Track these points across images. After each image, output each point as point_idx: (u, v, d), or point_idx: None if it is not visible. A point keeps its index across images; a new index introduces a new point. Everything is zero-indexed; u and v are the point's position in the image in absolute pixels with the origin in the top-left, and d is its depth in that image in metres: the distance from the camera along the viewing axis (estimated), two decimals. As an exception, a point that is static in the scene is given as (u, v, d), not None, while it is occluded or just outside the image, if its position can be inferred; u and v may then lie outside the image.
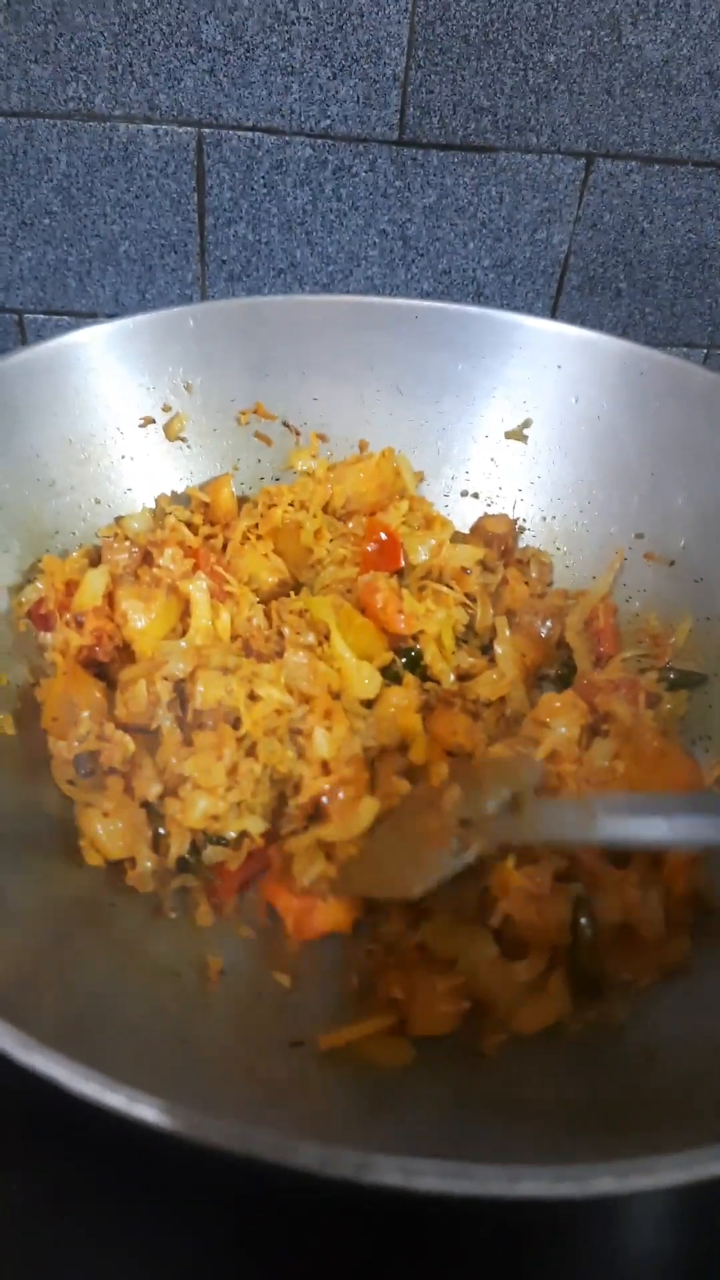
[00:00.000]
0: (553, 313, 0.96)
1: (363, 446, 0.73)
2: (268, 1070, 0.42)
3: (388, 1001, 0.46)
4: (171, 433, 0.69)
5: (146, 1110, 0.30)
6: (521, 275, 0.94)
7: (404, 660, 0.62)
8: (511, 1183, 0.28)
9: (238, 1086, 0.41)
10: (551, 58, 0.82)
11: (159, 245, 0.90)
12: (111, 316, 0.93)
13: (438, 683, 0.62)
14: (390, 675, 0.61)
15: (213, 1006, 0.47)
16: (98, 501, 0.65)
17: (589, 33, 0.81)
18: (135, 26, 0.79)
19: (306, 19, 0.79)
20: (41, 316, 0.94)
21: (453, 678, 0.62)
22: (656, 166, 0.88)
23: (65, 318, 0.94)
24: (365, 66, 0.82)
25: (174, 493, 0.70)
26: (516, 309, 0.94)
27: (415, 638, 0.63)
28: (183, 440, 0.70)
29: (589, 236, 0.92)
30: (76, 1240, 0.44)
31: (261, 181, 0.87)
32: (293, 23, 0.80)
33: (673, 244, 0.93)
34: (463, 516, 0.73)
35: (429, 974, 0.46)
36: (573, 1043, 0.44)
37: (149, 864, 0.52)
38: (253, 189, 0.88)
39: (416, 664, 0.63)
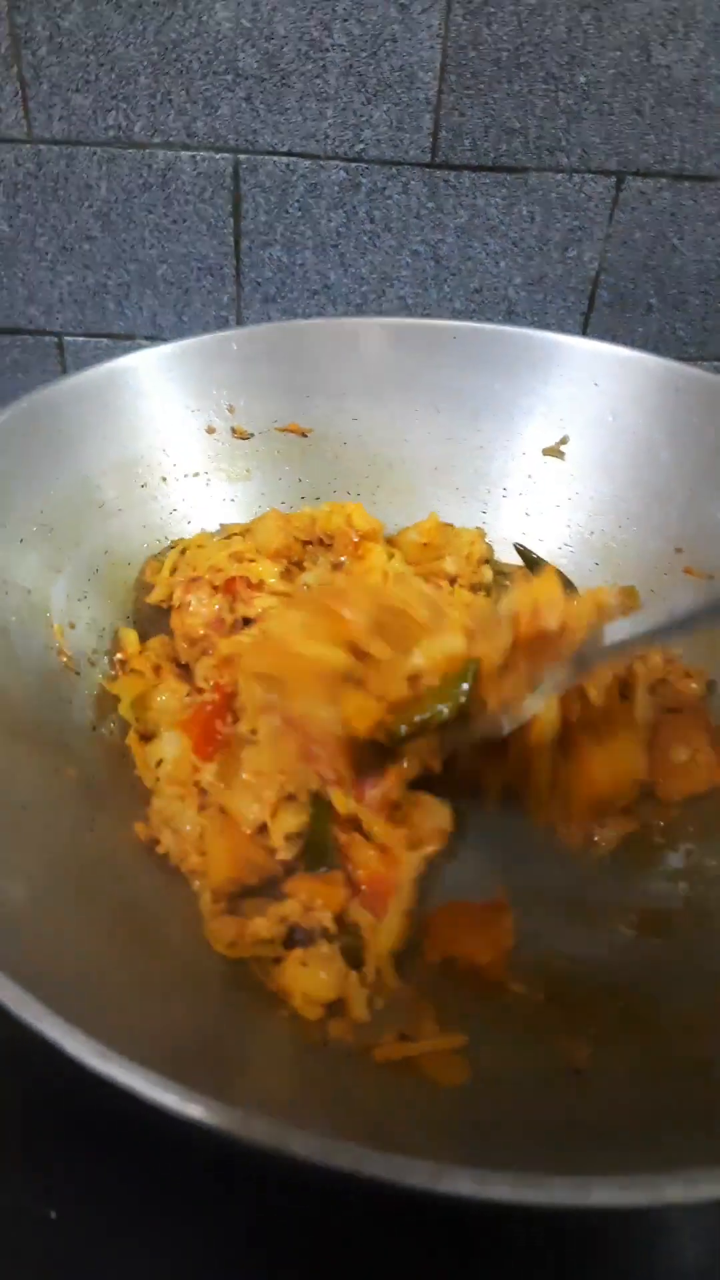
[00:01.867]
0: (584, 329, 0.97)
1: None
2: (322, 1073, 0.43)
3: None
4: (239, 433, 0.71)
5: (212, 1115, 0.31)
6: (553, 293, 0.95)
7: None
8: (582, 1192, 0.29)
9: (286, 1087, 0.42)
10: (582, 79, 0.83)
11: (195, 268, 0.92)
12: (149, 339, 0.96)
13: None
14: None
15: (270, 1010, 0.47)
16: (144, 526, 0.67)
17: (619, 54, 0.82)
18: (173, 55, 0.81)
19: (341, 46, 0.81)
20: (81, 339, 0.96)
21: None
22: (686, 183, 0.89)
23: (104, 340, 0.96)
24: (398, 91, 0.83)
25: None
26: (548, 326, 0.95)
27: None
28: (234, 455, 0.72)
29: (619, 254, 0.93)
30: (81, 1240, 0.45)
31: (296, 205, 0.89)
32: (327, 50, 0.81)
33: (703, 260, 0.93)
34: (501, 534, 0.74)
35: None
36: (628, 1055, 0.44)
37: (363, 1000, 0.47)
38: (287, 212, 0.89)
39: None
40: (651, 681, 0.60)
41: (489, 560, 0.71)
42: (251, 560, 0.65)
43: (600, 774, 0.53)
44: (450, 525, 0.71)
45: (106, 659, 0.61)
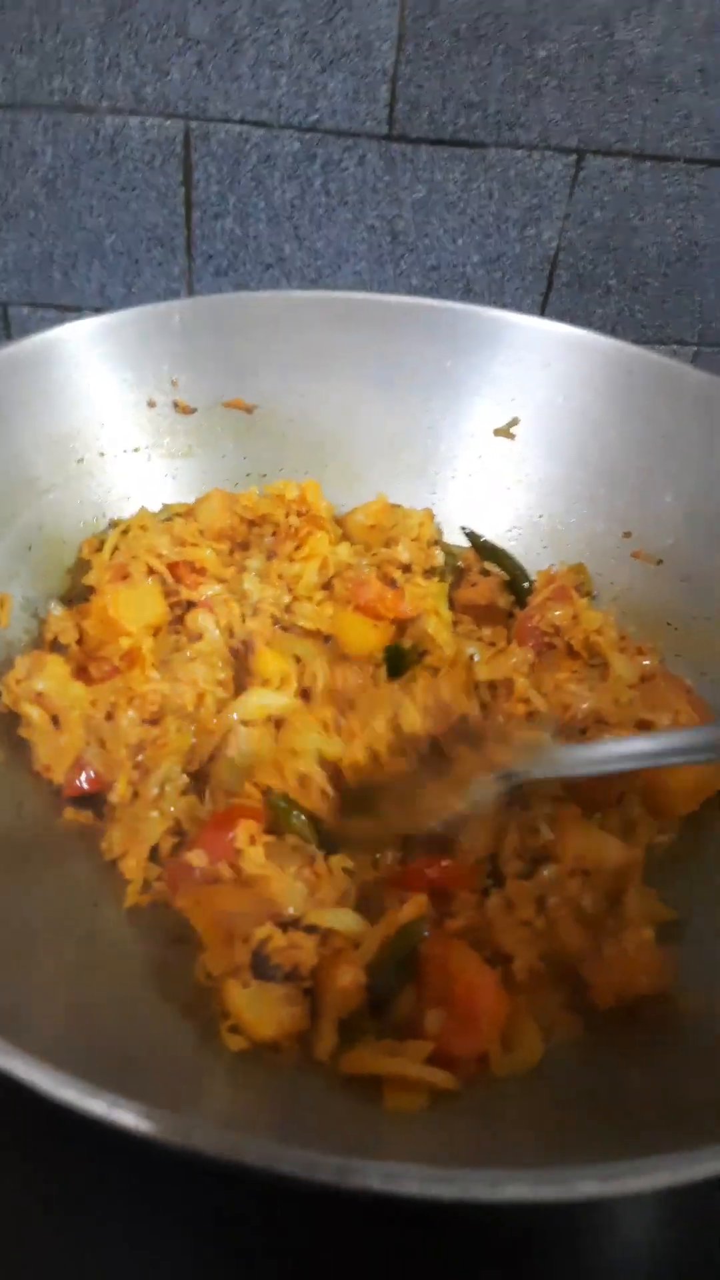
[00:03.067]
0: (542, 309, 0.95)
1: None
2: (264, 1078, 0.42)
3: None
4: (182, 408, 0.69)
5: (126, 1116, 0.30)
6: (511, 271, 0.93)
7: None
8: (494, 1187, 0.28)
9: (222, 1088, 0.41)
10: (542, 53, 0.82)
11: (145, 239, 0.89)
12: (97, 310, 0.92)
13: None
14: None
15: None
16: (81, 503, 0.65)
17: (580, 28, 0.81)
18: (122, 18, 0.78)
19: (295, 12, 0.79)
20: (26, 310, 0.93)
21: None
22: (647, 163, 0.88)
23: (50, 311, 0.93)
24: (354, 60, 0.81)
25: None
26: (506, 305, 0.94)
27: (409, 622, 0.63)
28: (176, 431, 0.70)
29: (579, 233, 0.91)
30: (74, 1242, 0.44)
31: (249, 175, 0.87)
32: (281, 15, 0.79)
33: (663, 241, 0.92)
34: (448, 515, 0.72)
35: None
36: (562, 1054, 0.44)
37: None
38: (240, 183, 0.87)
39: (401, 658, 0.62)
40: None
41: (439, 542, 0.69)
42: (194, 544, 0.63)
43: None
44: (399, 506, 0.70)
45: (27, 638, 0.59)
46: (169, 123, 0.84)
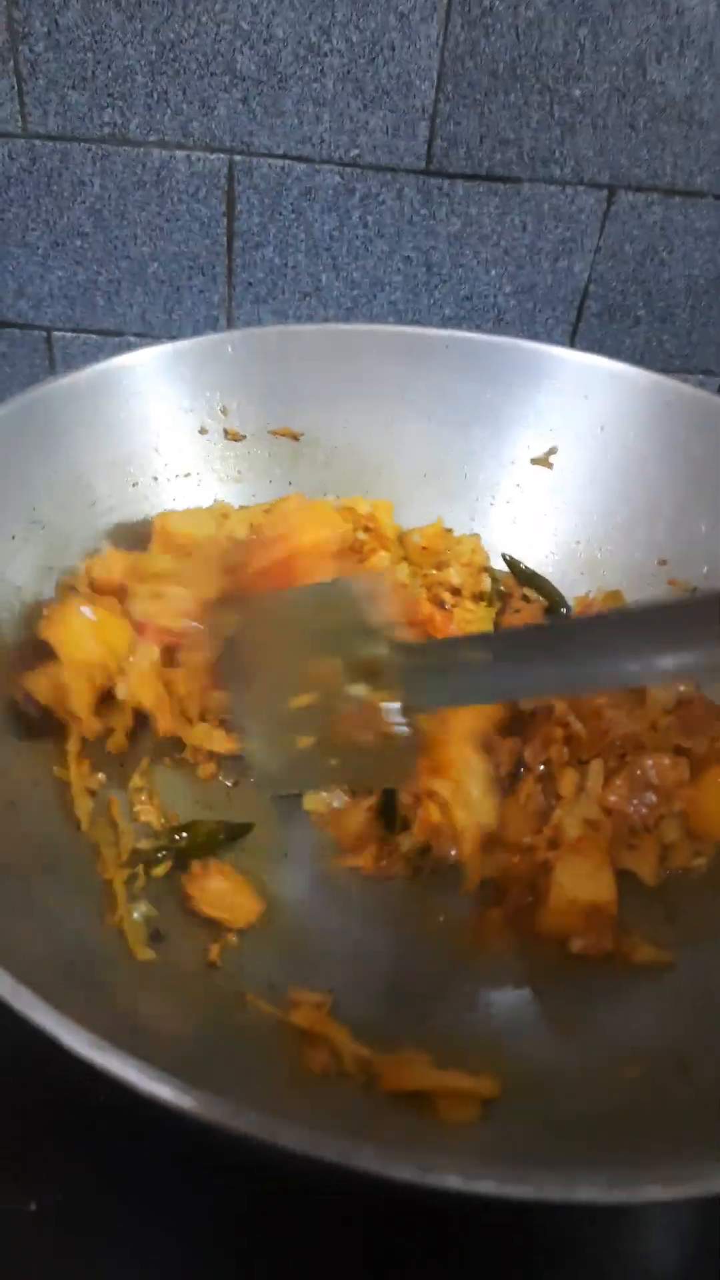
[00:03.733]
0: (572, 339, 0.98)
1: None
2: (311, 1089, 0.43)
3: None
4: (232, 435, 0.71)
5: (214, 1109, 0.31)
6: (542, 302, 0.96)
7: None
8: (568, 1188, 0.30)
9: (279, 1097, 0.42)
10: (577, 92, 0.84)
11: (187, 267, 0.92)
12: (139, 335, 0.96)
13: None
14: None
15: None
16: (139, 522, 0.67)
17: (614, 69, 0.83)
18: (171, 55, 0.81)
19: (340, 51, 0.81)
20: (69, 334, 0.96)
21: None
22: (677, 198, 0.90)
23: (93, 336, 0.96)
24: (395, 98, 0.84)
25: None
26: (536, 335, 0.96)
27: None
28: (226, 457, 0.72)
29: (609, 266, 0.94)
30: (60, 1233, 0.45)
31: (290, 207, 0.89)
32: (325, 55, 0.82)
33: (691, 274, 0.95)
34: (488, 541, 0.75)
35: None
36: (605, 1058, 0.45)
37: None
38: (281, 214, 0.89)
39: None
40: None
41: (486, 568, 0.71)
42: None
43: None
44: (450, 531, 0.72)
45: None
46: (214, 156, 0.86)
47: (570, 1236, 0.46)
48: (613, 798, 0.55)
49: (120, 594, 0.59)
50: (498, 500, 0.75)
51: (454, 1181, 0.29)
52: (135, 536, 0.66)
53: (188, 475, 0.71)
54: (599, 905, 0.51)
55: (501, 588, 0.71)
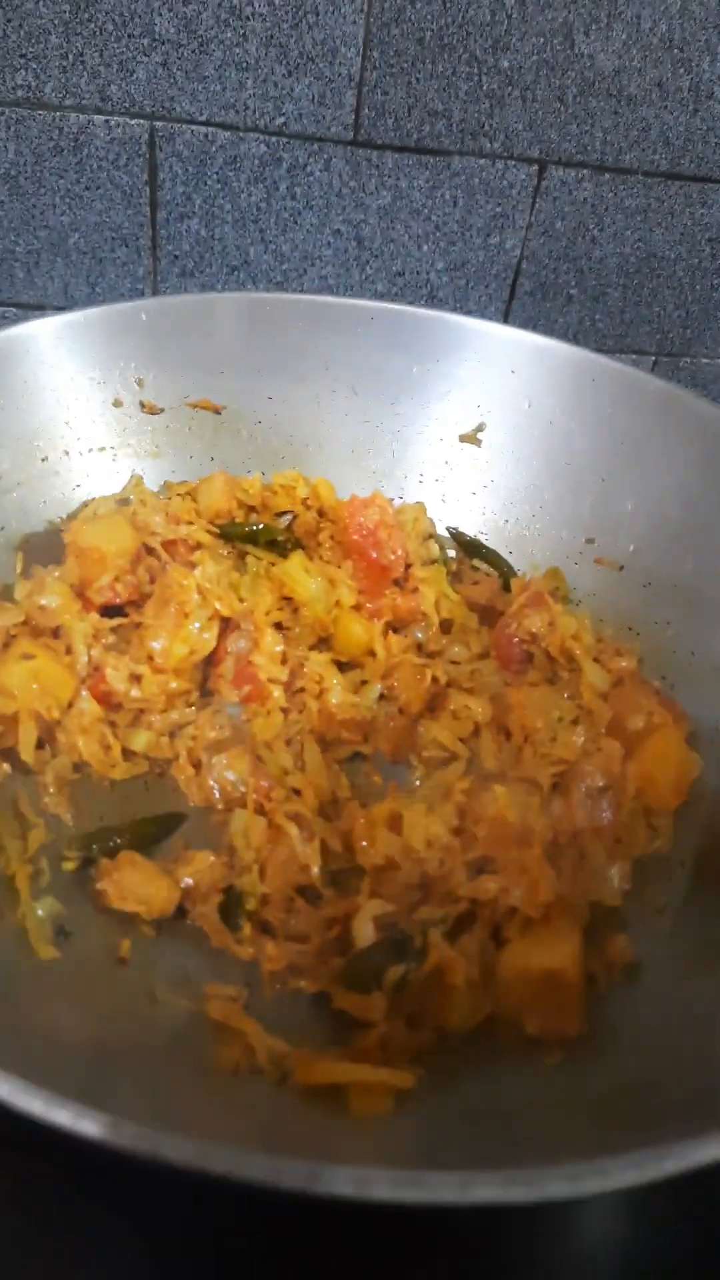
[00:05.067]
0: (505, 317, 0.96)
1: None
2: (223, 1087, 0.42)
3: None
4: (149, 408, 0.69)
5: (90, 1126, 0.29)
6: (475, 279, 0.94)
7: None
8: (464, 1189, 0.28)
9: (188, 1098, 0.41)
10: (505, 63, 0.83)
11: (109, 238, 0.89)
12: (60, 309, 0.91)
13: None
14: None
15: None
16: (44, 502, 0.64)
17: (542, 40, 0.82)
18: (86, 15, 0.78)
19: (262, 15, 0.79)
20: (-13, 307, 0.92)
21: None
22: (607, 175, 0.89)
23: (11, 309, 0.92)
24: (321, 65, 0.82)
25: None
26: (469, 312, 0.94)
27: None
28: (142, 431, 0.69)
29: (541, 243, 0.93)
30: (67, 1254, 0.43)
31: (215, 177, 0.86)
32: (248, 18, 0.79)
33: (622, 252, 0.94)
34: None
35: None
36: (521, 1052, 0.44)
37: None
38: (206, 184, 0.87)
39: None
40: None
41: (433, 535, 0.70)
42: (190, 522, 0.63)
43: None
44: (391, 501, 0.69)
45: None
46: (134, 122, 0.83)
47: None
48: (581, 815, 0.53)
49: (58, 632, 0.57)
50: (426, 478, 0.73)
51: (345, 1188, 0.28)
52: (42, 520, 0.63)
53: (102, 450, 0.68)
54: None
55: (450, 553, 0.69)
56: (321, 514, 0.69)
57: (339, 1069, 0.41)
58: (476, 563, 0.71)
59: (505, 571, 0.70)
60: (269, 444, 0.72)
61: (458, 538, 0.73)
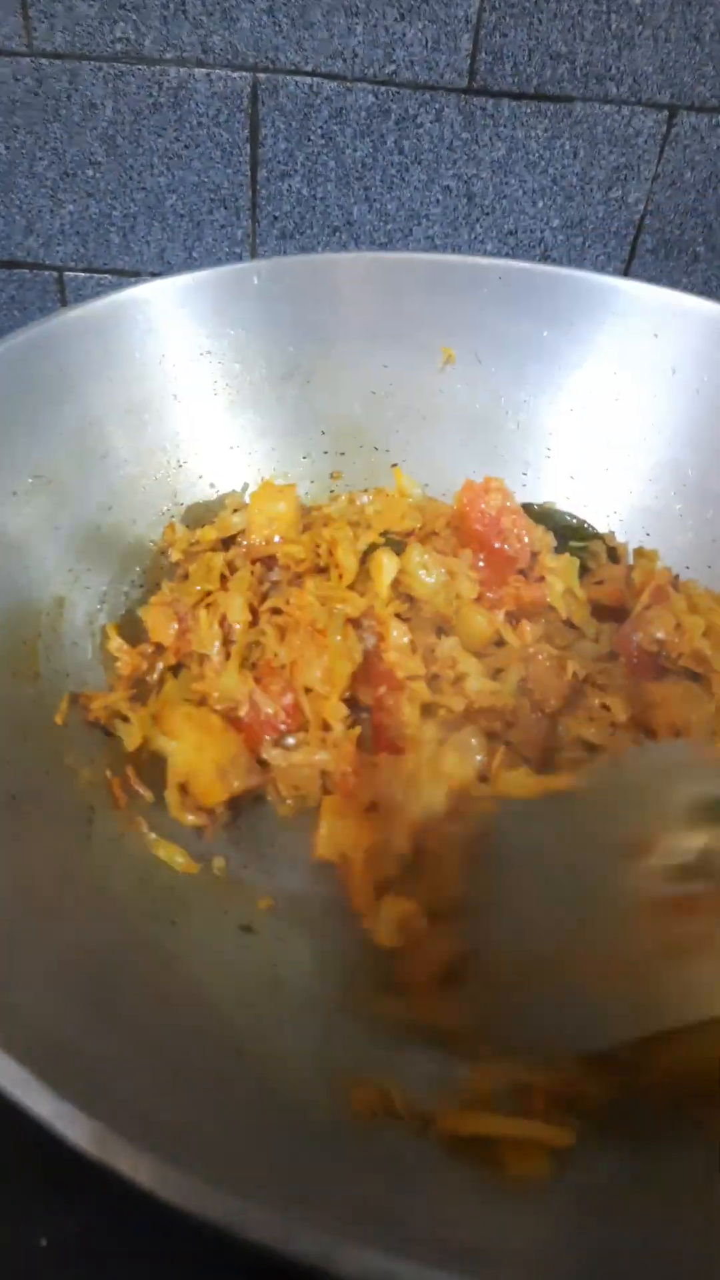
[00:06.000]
0: (624, 277, 0.90)
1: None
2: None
3: None
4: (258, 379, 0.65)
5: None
6: (592, 237, 0.88)
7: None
8: None
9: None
10: (637, 1, 0.76)
11: (208, 199, 0.84)
12: (155, 275, 0.88)
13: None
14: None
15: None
16: (156, 479, 0.60)
17: (679, -28, 0.75)
18: (190, -40, 0.73)
19: (375, -47, 0.73)
20: (82, 274, 0.89)
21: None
22: (745, 120, 0.82)
23: (107, 276, 0.89)
24: (435, 7, 0.76)
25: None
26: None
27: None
28: (256, 399, 0.65)
29: (668, 195, 0.86)
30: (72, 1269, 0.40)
31: (319, 132, 0.81)
32: (359, -43, 0.74)
33: (757, 205, 0.86)
34: (544, 496, 0.68)
35: None
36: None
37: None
38: (309, 140, 0.82)
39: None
40: None
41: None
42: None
43: None
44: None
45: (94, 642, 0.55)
46: (236, 75, 0.79)
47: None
48: None
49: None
50: (555, 452, 0.67)
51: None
52: (148, 497, 0.60)
53: (209, 424, 0.63)
54: None
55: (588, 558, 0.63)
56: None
57: (487, 1120, 0.37)
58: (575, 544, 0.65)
59: (595, 537, 0.65)
60: (383, 416, 0.67)
61: (525, 508, 0.65)
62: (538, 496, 0.67)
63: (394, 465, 0.63)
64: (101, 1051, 0.32)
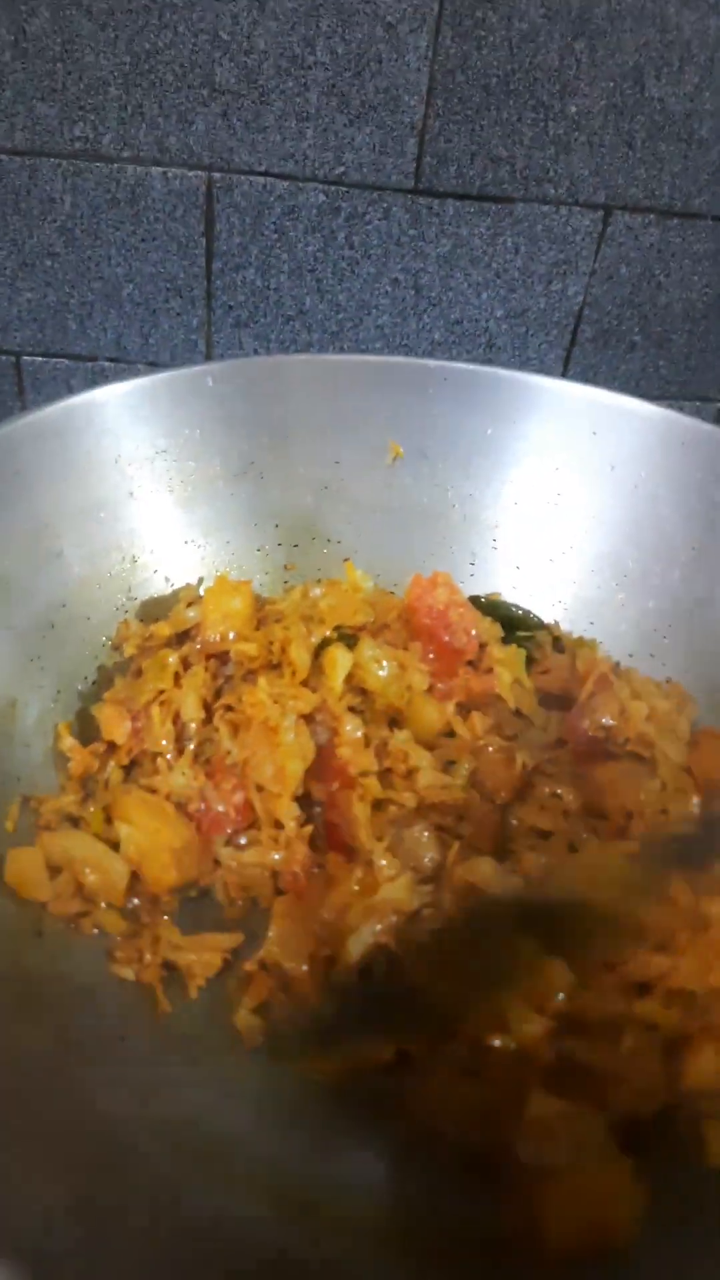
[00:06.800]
0: (565, 365, 0.94)
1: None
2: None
3: None
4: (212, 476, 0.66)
5: None
6: (535, 327, 0.91)
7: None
8: None
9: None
10: (573, 109, 0.80)
11: (164, 289, 0.87)
12: (113, 360, 0.90)
13: None
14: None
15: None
16: (110, 575, 0.61)
17: (611, 84, 0.79)
18: (146, 66, 0.76)
19: (324, 64, 0.77)
20: (40, 359, 0.90)
21: None
22: (675, 220, 0.86)
23: (64, 360, 0.90)
24: (382, 114, 0.80)
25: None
26: (529, 360, 0.92)
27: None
28: (210, 495, 0.67)
29: (604, 289, 0.90)
30: None
31: (272, 227, 0.84)
32: (309, 68, 0.77)
33: (689, 298, 0.91)
34: (492, 587, 0.70)
35: None
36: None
37: None
38: (263, 234, 0.85)
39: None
40: None
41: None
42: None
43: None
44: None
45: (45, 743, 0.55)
46: (192, 173, 0.81)
47: None
48: None
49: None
50: (501, 544, 0.70)
51: None
52: (104, 593, 0.61)
53: (164, 521, 0.65)
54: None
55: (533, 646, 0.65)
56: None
57: None
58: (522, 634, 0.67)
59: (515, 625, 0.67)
60: (335, 510, 0.69)
61: (492, 610, 0.68)
62: (485, 587, 0.69)
63: (346, 560, 0.64)
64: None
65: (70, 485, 0.59)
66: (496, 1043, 0.45)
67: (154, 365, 0.91)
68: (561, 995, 0.46)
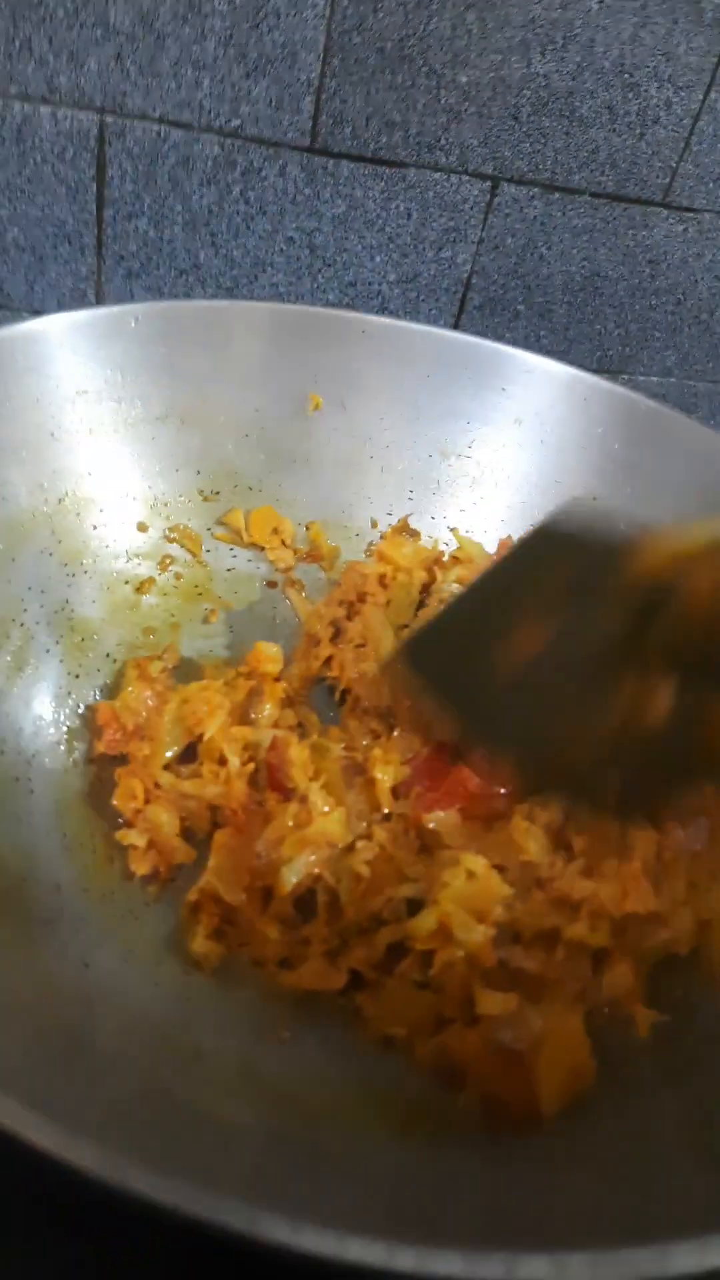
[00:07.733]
0: (454, 330, 0.97)
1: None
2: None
3: None
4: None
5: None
6: (425, 292, 0.94)
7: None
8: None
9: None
10: (464, 78, 0.83)
11: (52, 234, 0.84)
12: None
13: None
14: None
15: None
16: (33, 516, 0.59)
17: (500, 57, 0.82)
18: (36, 1, 0.73)
19: (222, 13, 0.76)
20: None
21: None
22: (556, 194, 0.91)
23: (-58, 307, 0.86)
24: (280, 69, 0.80)
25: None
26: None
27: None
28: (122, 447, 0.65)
29: (491, 258, 0.93)
30: None
31: (166, 176, 0.83)
32: (206, 15, 0.76)
33: (568, 271, 0.96)
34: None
35: None
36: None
37: None
38: (157, 183, 0.83)
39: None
40: None
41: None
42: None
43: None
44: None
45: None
46: (83, 115, 0.79)
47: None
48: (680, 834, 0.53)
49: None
50: (417, 495, 0.72)
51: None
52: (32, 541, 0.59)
53: (88, 470, 0.63)
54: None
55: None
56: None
57: None
58: None
59: None
60: (255, 456, 0.69)
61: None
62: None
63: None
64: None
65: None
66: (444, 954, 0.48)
67: (39, 314, 0.88)
68: (499, 908, 0.49)
